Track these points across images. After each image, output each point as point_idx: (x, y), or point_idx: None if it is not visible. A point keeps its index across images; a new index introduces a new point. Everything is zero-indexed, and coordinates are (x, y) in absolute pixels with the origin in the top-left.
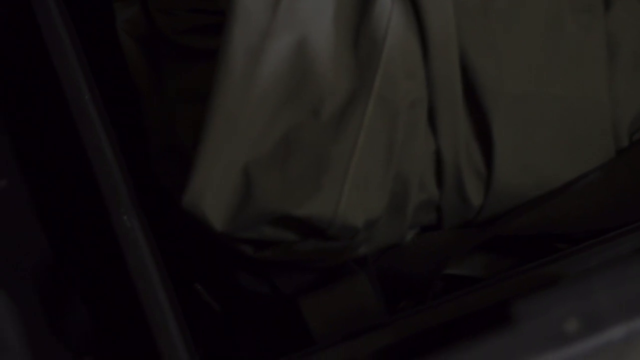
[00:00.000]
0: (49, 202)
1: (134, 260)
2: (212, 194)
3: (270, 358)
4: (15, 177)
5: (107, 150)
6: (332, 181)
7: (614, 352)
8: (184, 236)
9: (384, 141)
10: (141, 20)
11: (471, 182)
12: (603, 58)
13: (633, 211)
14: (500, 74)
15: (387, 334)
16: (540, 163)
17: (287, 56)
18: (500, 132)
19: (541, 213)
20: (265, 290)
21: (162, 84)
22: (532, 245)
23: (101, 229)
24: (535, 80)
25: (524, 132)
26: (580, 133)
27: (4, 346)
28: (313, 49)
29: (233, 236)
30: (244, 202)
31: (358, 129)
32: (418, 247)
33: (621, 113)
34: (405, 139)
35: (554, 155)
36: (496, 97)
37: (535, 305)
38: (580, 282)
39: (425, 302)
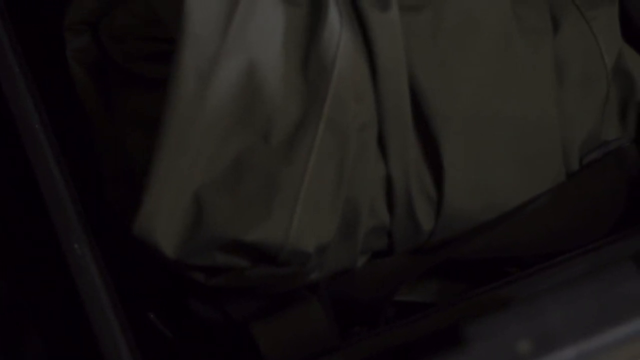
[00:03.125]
0: None
1: (85, 287)
2: (163, 219)
3: None
4: None
5: (57, 178)
6: (282, 205)
7: None
8: (136, 263)
9: (334, 165)
10: (92, 48)
11: (422, 207)
12: (552, 79)
13: (583, 235)
14: (450, 97)
15: (340, 358)
16: (491, 186)
17: (237, 80)
18: (450, 155)
19: (492, 237)
20: (218, 316)
21: (114, 111)
22: (483, 270)
23: (53, 258)
24: (485, 103)
25: (474, 155)
26: (531, 155)
27: None
28: (262, 73)
29: (184, 262)
30: (195, 227)
31: (308, 152)
32: (369, 272)
33: (571, 134)
34: (355, 163)
35: (505, 178)
36: (446, 121)
37: (488, 326)
38: (531, 303)
39: (377, 327)
